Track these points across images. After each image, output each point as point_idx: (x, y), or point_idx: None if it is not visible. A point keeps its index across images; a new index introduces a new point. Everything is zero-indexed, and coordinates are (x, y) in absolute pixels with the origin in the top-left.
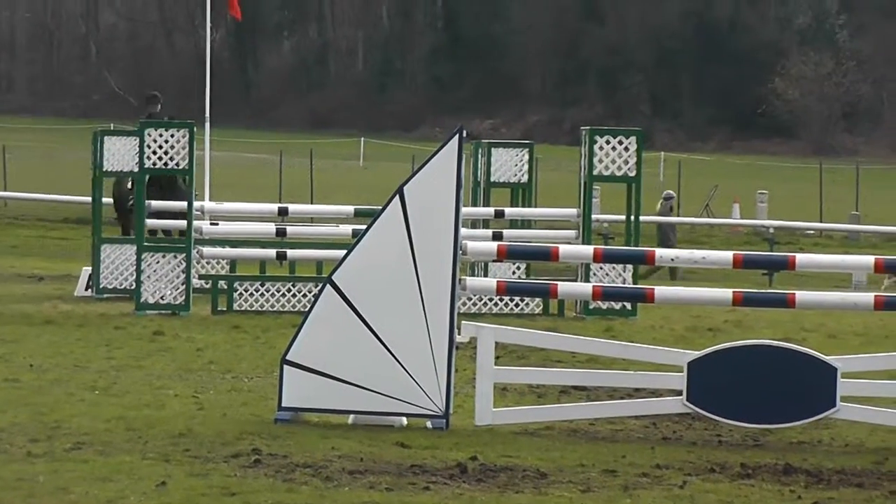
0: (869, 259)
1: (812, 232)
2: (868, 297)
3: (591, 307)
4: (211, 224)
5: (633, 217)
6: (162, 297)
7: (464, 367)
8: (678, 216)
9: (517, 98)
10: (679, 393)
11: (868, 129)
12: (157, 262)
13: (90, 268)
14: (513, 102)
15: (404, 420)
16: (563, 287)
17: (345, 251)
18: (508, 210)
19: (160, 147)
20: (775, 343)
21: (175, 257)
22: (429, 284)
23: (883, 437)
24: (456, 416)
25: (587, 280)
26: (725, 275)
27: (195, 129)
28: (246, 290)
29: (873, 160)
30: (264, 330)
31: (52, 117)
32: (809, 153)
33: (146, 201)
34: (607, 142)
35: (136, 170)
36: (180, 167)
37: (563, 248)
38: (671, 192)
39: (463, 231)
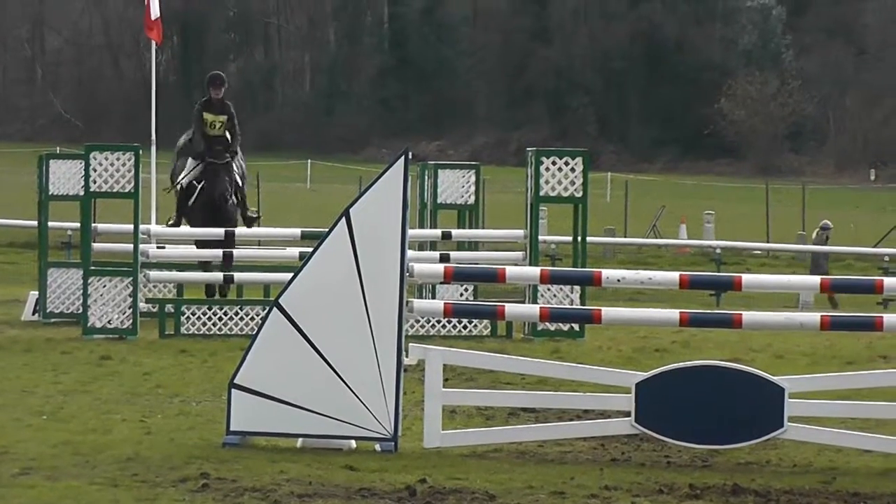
0: (815, 279)
1: (759, 252)
2: (814, 317)
3: (538, 329)
4: (157, 248)
5: (579, 238)
6: (109, 322)
7: (412, 390)
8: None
9: (464, 120)
10: (627, 414)
11: (813, 148)
12: (104, 286)
13: (37, 292)
14: (460, 124)
15: (353, 443)
16: (511, 309)
17: (292, 274)
18: (455, 232)
19: (105, 170)
20: (723, 364)
21: (122, 281)
22: (376, 307)
23: (830, 457)
24: (404, 439)
25: (535, 301)
26: (672, 295)
27: (141, 152)
28: (193, 314)
29: (819, 180)
30: (212, 353)
31: None
32: (756, 173)
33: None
34: (553, 163)
35: (81, 193)
36: (126, 190)
37: (510, 270)
38: (829, 222)
39: (410, 253)
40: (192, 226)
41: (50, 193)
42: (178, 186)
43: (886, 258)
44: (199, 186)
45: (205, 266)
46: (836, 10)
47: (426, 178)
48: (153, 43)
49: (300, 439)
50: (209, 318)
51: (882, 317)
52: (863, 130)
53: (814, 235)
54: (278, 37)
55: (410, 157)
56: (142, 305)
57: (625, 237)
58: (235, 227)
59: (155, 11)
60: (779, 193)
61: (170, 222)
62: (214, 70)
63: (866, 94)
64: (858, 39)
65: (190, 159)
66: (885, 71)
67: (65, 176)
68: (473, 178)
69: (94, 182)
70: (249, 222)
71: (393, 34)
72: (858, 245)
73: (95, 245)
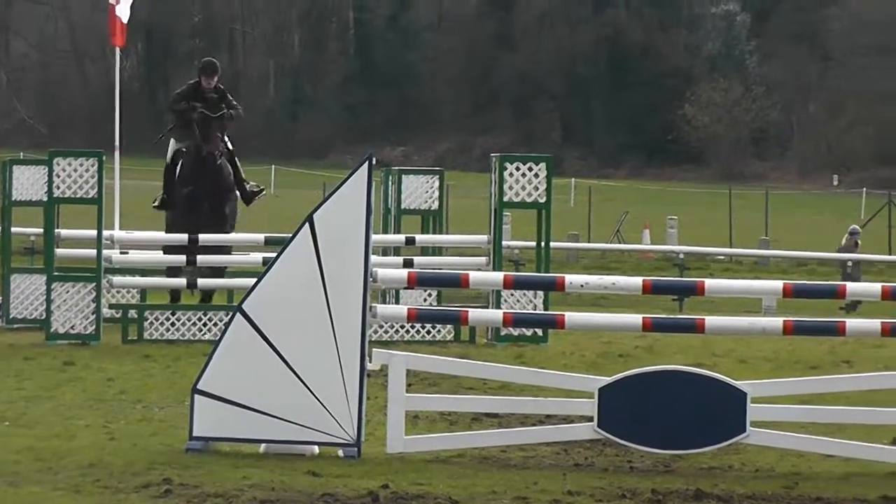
0: (778, 284)
1: (722, 257)
2: (777, 322)
3: (502, 334)
4: (121, 253)
5: (543, 243)
6: (72, 327)
7: (375, 395)
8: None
9: (428, 125)
10: (590, 419)
11: (777, 154)
12: (67, 292)
13: None
14: (424, 130)
15: (316, 449)
16: (474, 314)
17: (255, 279)
18: (419, 237)
19: (69, 176)
20: (686, 368)
21: (85, 287)
22: (339, 312)
23: (793, 461)
24: (367, 445)
25: (498, 307)
26: (636, 300)
27: (105, 157)
28: (157, 320)
29: (782, 186)
30: (175, 359)
31: None
32: (719, 179)
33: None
34: (517, 168)
35: (44, 199)
36: (90, 196)
37: (474, 275)
38: (857, 227)
39: (373, 258)
40: (176, 196)
41: (13, 199)
42: (168, 160)
43: (850, 263)
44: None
45: (176, 271)
46: (801, 16)
47: (390, 183)
48: (118, 48)
49: (263, 445)
50: (172, 324)
51: (845, 321)
52: (826, 136)
53: (843, 241)
54: (243, 43)
55: (374, 162)
56: (105, 311)
57: (588, 242)
58: (230, 192)
59: (124, 15)
60: (742, 199)
61: (154, 203)
62: (205, 59)
63: (830, 100)
64: (822, 46)
65: (172, 140)
66: (849, 77)
67: (28, 181)
68: (437, 184)
69: (58, 188)
70: (251, 198)
71: (357, 40)
72: (822, 250)
73: (59, 250)
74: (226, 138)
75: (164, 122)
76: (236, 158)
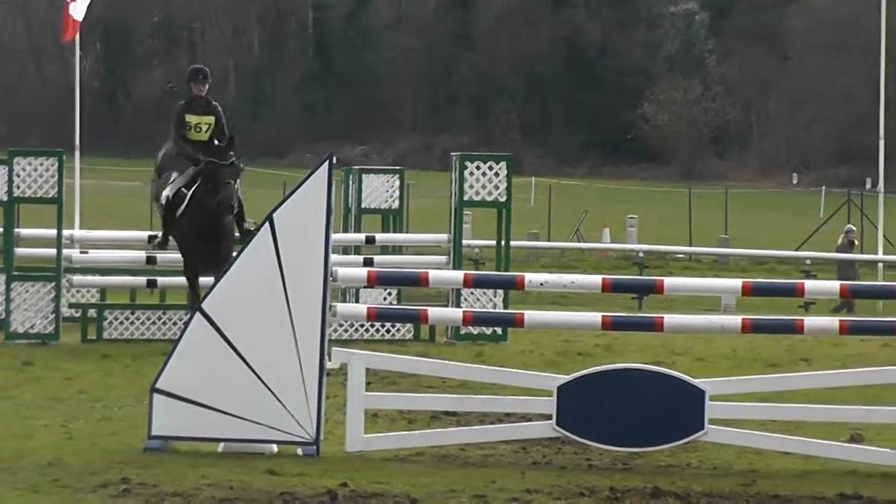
0: (737, 283)
1: (681, 256)
2: (735, 320)
3: (461, 332)
4: (81, 252)
5: (503, 242)
6: (31, 327)
7: (335, 394)
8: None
9: (388, 124)
10: (549, 417)
11: (736, 153)
12: (27, 291)
13: None
14: (384, 129)
15: (275, 447)
16: (434, 312)
17: (214, 279)
18: (379, 236)
19: (29, 175)
20: (644, 367)
21: (45, 286)
22: (299, 311)
23: (751, 459)
24: (327, 443)
25: (458, 305)
26: (595, 299)
27: (65, 157)
28: (116, 319)
29: (742, 184)
30: (134, 358)
31: None
32: (679, 178)
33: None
34: (477, 167)
35: (4, 198)
36: (50, 196)
37: (434, 274)
38: (852, 226)
39: (333, 257)
40: (180, 243)
41: None
42: (164, 199)
43: (808, 261)
44: (190, 192)
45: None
46: (759, 15)
47: (350, 182)
48: (77, 48)
49: (222, 444)
50: (132, 323)
51: (803, 319)
52: (785, 135)
53: (839, 241)
54: (202, 42)
55: (335, 161)
56: (64, 310)
57: (548, 241)
58: (231, 237)
59: (78, 13)
60: (701, 198)
61: (155, 241)
62: (193, 66)
63: (789, 98)
64: (781, 44)
65: (175, 172)
66: (808, 76)
67: None
68: (397, 183)
69: (18, 187)
70: (245, 236)
71: (317, 39)
72: (781, 248)
73: (18, 250)
74: (237, 188)
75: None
76: (241, 197)
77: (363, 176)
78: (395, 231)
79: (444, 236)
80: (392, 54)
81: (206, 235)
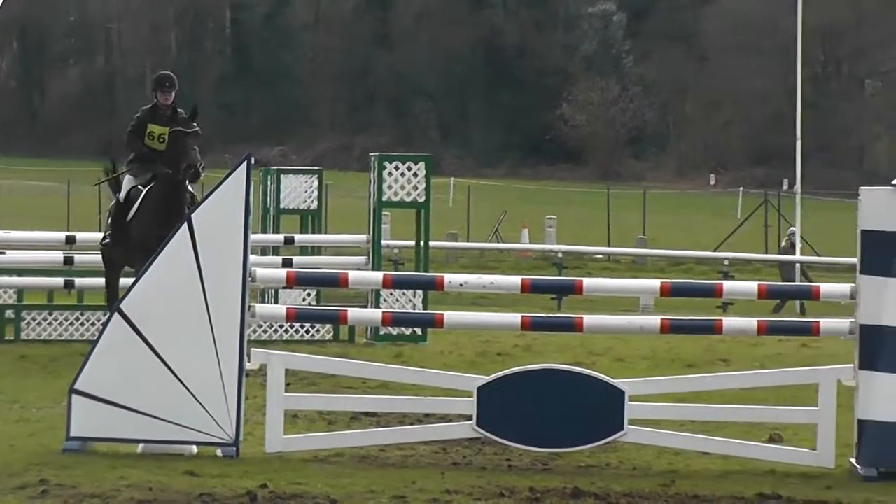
0: (655, 283)
1: (600, 256)
2: (654, 320)
3: (381, 333)
4: None
5: (422, 242)
6: None
7: (254, 395)
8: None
9: (307, 125)
10: (469, 418)
11: (654, 154)
12: None
13: None
14: (302, 129)
15: (194, 448)
16: (353, 313)
17: (133, 279)
18: (298, 236)
19: None
20: (564, 367)
21: None
22: (218, 312)
23: (670, 459)
24: (246, 444)
25: (377, 306)
26: (514, 300)
27: None
28: (34, 320)
29: (659, 185)
30: (52, 359)
31: None
32: (597, 178)
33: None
34: (396, 168)
35: None
36: None
37: (353, 275)
38: (794, 229)
39: (252, 258)
40: (137, 227)
41: None
42: (115, 199)
43: (726, 262)
44: (147, 188)
45: None
46: (676, 16)
47: (269, 182)
48: None
49: (141, 445)
50: (49, 324)
51: (722, 320)
52: (703, 136)
53: (782, 243)
54: (119, 42)
55: (253, 162)
56: None
57: (467, 242)
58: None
59: None
60: (620, 198)
61: (105, 242)
62: (160, 73)
63: (706, 99)
64: (698, 45)
65: (129, 176)
66: (724, 77)
67: None
68: (316, 183)
69: None
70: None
71: (235, 39)
72: (699, 249)
73: None
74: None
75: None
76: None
77: (281, 176)
78: (313, 231)
79: (363, 237)
80: (310, 54)
81: (167, 214)
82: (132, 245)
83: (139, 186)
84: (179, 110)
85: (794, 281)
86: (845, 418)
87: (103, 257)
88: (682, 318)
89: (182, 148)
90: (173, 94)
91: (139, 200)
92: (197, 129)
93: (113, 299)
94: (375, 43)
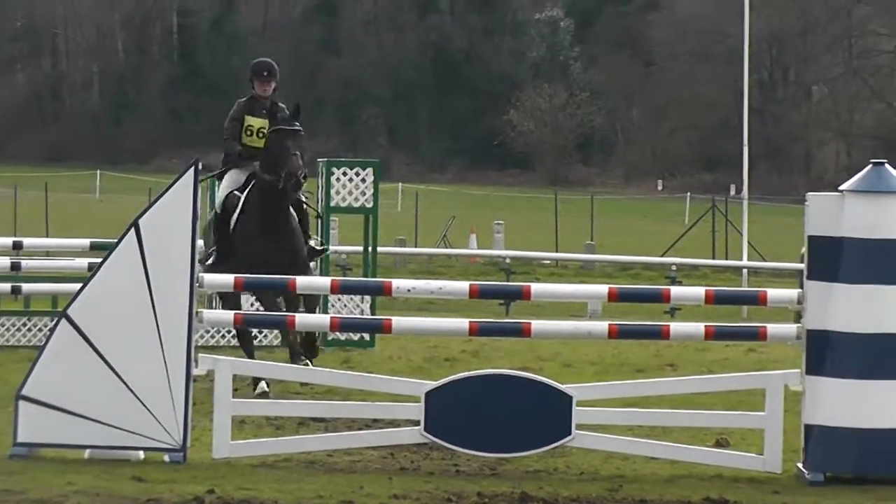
0: (603, 288)
1: (548, 262)
2: (602, 325)
3: (329, 338)
4: None
5: (370, 248)
6: None
7: (202, 400)
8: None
9: None
10: (417, 423)
11: (602, 160)
12: None
13: None
14: None
15: (141, 454)
16: (301, 318)
17: (80, 285)
18: None
19: None
20: (511, 372)
21: None
22: (165, 317)
23: (617, 464)
24: (193, 450)
25: (325, 311)
26: (462, 305)
27: None
28: None
29: (607, 191)
30: None
31: None
32: (545, 184)
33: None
34: (344, 173)
35: None
36: None
37: (301, 280)
38: None
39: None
40: (241, 243)
41: None
42: (217, 209)
43: (674, 267)
44: (245, 192)
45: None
46: (624, 22)
47: (216, 188)
48: None
49: (88, 450)
50: None
51: (669, 325)
52: (650, 142)
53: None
54: (66, 47)
55: (200, 167)
56: None
57: (415, 247)
58: (300, 253)
59: None
60: (568, 204)
61: (209, 262)
62: (258, 60)
63: (653, 105)
64: (645, 52)
65: (228, 176)
66: (672, 83)
67: None
68: None
69: None
70: (313, 255)
71: (182, 45)
72: (646, 255)
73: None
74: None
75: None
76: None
77: None
78: None
79: (311, 242)
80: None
81: (271, 226)
82: (242, 265)
83: (235, 192)
84: (279, 104)
85: None
86: (792, 423)
87: None
88: (630, 324)
89: (282, 151)
90: (273, 84)
91: (238, 211)
92: (299, 127)
93: (244, 340)
94: (323, 49)
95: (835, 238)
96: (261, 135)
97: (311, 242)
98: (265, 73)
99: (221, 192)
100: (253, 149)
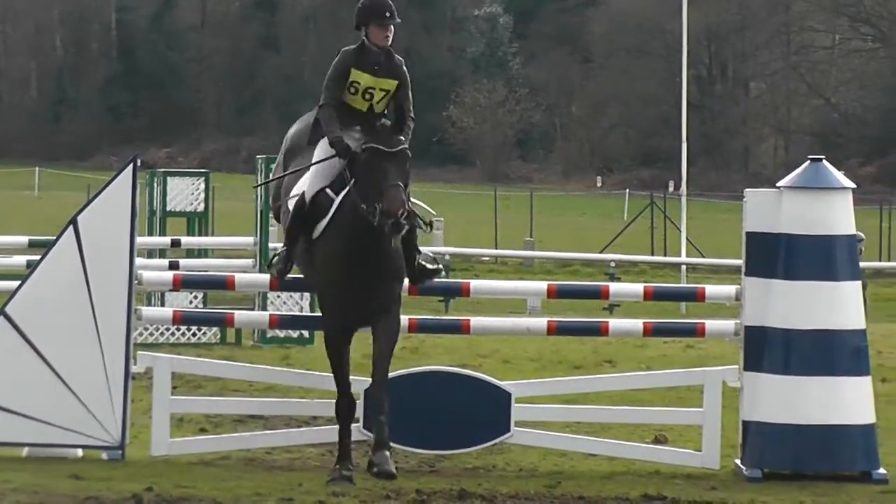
0: (542, 285)
1: (487, 258)
2: (541, 322)
3: (268, 336)
4: None
5: None
6: None
7: (140, 398)
8: None
9: (193, 126)
10: (356, 420)
11: (541, 156)
12: None
13: None
14: (188, 131)
15: (80, 451)
16: (240, 316)
17: (18, 283)
18: (185, 239)
19: None
20: (450, 369)
21: None
22: (104, 315)
23: (555, 461)
24: (132, 447)
25: (264, 309)
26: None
27: None
28: None
29: (547, 187)
30: None
31: None
32: (485, 180)
33: None
34: None
35: None
36: None
37: (240, 277)
38: (860, 233)
39: (138, 261)
40: (322, 279)
41: None
42: (293, 203)
43: (613, 263)
44: (339, 198)
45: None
46: (562, 18)
47: (155, 185)
48: None
49: (26, 448)
50: None
51: (608, 321)
52: (589, 138)
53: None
54: (3, 43)
55: (139, 164)
56: None
57: None
58: (393, 298)
59: None
60: (507, 200)
61: (277, 268)
62: None
63: (592, 101)
64: (584, 48)
65: (319, 151)
66: (610, 79)
67: None
68: (203, 186)
69: None
70: (419, 279)
71: (120, 41)
72: (585, 251)
73: None
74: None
75: None
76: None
77: (168, 179)
78: (200, 234)
79: (251, 239)
80: (197, 56)
81: (363, 266)
82: (324, 289)
83: (328, 192)
84: (397, 57)
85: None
86: (730, 419)
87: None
88: (569, 320)
89: (378, 179)
90: (392, 29)
91: (327, 219)
92: (405, 146)
93: (340, 376)
94: (262, 45)
95: (773, 234)
96: (368, 95)
97: (422, 261)
98: (386, 15)
99: (311, 182)
100: (355, 112)
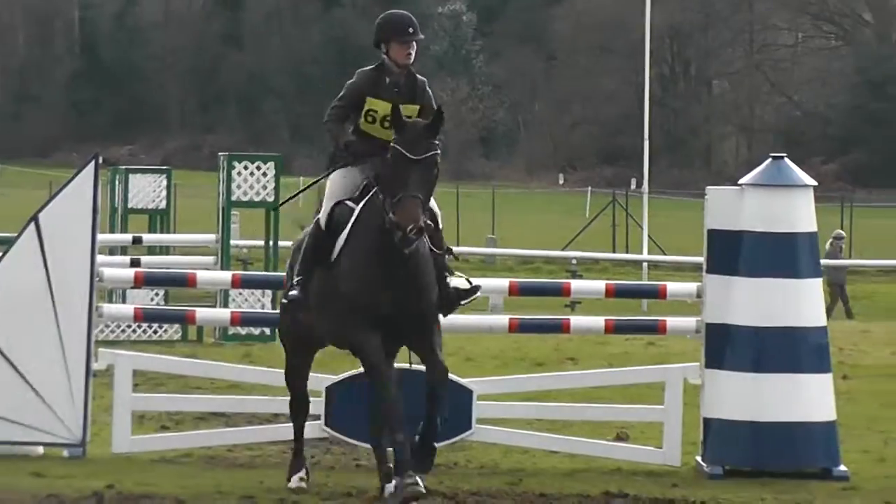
0: (504, 282)
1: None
2: (503, 319)
3: (230, 333)
4: None
5: (271, 242)
6: None
7: (101, 395)
8: None
9: (155, 124)
10: (317, 417)
11: (504, 153)
12: None
13: None
14: (151, 128)
15: (40, 449)
16: (202, 313)
17: None
18: (146, 236)
19: None
20: (413, 367)
21: None
22: (65, 312)
23: (517, 458)
24: (93, 445)
25: (226, 306)
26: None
27: None
28: None
29: (509, 184)
30: None
31: None
32: (447, 177)
33: None
34: (245, 167)
35: None
36: None
37: (201, 274)
38: (841, 231)
39: (100, 258)
40: (347, 279)
41: None
42: (312, 225)
43: (574, 261)
44: (359, 206)
45: None
46: (526, 16)
47: (117, 182)
48: None
49: None
50: None
51: (569, 319)
52: (552, 136)
53: (827, 246)
54: None
55: (101, 161)
56: None
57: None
58: (430, 309)
59: None
60: (470, 197)
61: (292, 295)
62: (391, 13)
63: (555, 99)
64: (547, 46)
65: (333, 180)
66: (574, 77)
67: None
68: (165, 183)
69: None
70: (453, 304)
71: (83, 38)
72: (548, 248)
73: None
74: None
75: None
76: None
77: (130, 176)
78: (162, 231)
79: (212, 236)
80: (160, 53)
81: (388, 270)
82: (347, 312)
83: (347, 203)
84: (420, 78)
85: (843, 286)
86: (691, 416)
87: (282, 325)
88: (531, 318)
89: (398, 187)
90: (414, 49)
91: (347, 231)
92: (437, 151)
93: (299, 406)
94: (226, 42)
95: (734, 232)
96: (387, 124)
97: (455, 282)
98: (409, 31)
99: (326, 201)
100: (374, 142)
